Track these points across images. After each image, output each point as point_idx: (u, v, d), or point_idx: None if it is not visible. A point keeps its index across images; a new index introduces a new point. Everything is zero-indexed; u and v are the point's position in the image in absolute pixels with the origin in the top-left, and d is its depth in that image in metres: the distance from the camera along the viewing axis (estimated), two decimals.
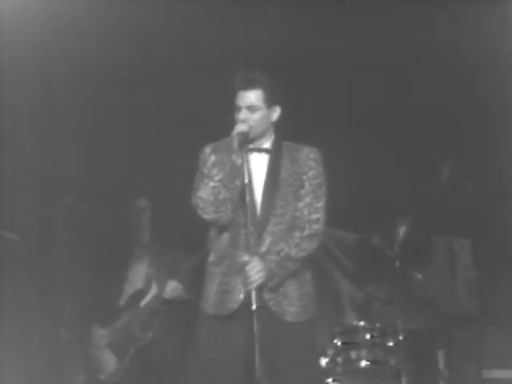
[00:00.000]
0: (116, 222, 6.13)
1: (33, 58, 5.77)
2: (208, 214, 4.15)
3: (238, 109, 4.21)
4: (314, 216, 4.20)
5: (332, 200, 4.32)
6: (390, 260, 5.61)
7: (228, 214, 4.14)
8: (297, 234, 4.19)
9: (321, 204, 4.22)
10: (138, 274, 6.09)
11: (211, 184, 4.10)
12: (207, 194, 4.11)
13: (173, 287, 5.86)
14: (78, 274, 6.13)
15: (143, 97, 6.26)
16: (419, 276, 5.71)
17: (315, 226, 4.20)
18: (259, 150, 4.26)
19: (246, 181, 4.14)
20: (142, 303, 5.98)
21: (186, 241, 5.85)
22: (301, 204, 4.21)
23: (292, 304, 4.19)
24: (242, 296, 4.13)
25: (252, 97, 4.19)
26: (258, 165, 4.27)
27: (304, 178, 4.24)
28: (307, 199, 4.21)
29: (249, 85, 4.18)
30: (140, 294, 6.02)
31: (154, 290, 5.96)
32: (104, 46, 5.89)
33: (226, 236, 4.25)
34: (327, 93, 6.24)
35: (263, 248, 4.16)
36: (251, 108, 4.19)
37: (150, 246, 6.15)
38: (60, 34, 5.74)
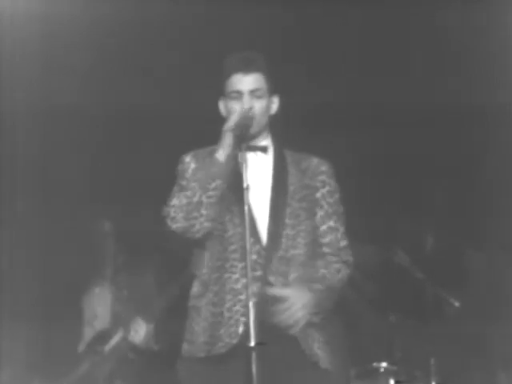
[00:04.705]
0: (71, 246, 5.60)
1: (33, 57, 5.47)
2: (177, 223, 3.52)
3: (237, 95, 3.63)
4: (343, 243, 3.74)
5: (348, 210, 3.86)
6: (419, 283, 5.27)
7: (202, 222, 3.52)
8: (320, 262, 3.69)
9: (343, 229, 3.77)
10: (101, 312, 5.53)
11: (188, 193, 3.56)
12: (181, 199, 3.55)
13: (138, 328, 5.29)
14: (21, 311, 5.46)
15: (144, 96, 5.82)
16: (456, 303, 5.24)
17: (346, 257, 3.73)
18: (256, 149, 3.67)
19: (245, 185, 3.44)
20: (107, 347, 5.39)
21: (160, 269, 5.51)
22: (324, 227, 3.70)
23: (322, 348, 3.66)
24: (241, 329, 3.56)
25: (256, 79, 3.65)
26: (254, 169, 3.64)
27: (318, 195, 3.72)
28: (331, 222, 3.71)
29: (250, 66, 3.65)
30: (104, 336, 5.42)
31: (121, 332, 5.40)
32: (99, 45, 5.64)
33: (207, 257, 3.66)
34: (335, 86, 5.70)
35: (291, 275, 3.62)
36: (256, 93, 3.63)
37: (115, 277, 5.60)
38: (60, 34, 5.49)
